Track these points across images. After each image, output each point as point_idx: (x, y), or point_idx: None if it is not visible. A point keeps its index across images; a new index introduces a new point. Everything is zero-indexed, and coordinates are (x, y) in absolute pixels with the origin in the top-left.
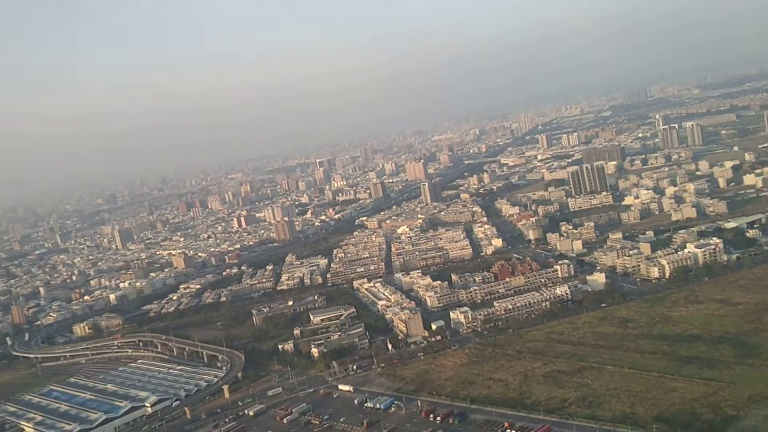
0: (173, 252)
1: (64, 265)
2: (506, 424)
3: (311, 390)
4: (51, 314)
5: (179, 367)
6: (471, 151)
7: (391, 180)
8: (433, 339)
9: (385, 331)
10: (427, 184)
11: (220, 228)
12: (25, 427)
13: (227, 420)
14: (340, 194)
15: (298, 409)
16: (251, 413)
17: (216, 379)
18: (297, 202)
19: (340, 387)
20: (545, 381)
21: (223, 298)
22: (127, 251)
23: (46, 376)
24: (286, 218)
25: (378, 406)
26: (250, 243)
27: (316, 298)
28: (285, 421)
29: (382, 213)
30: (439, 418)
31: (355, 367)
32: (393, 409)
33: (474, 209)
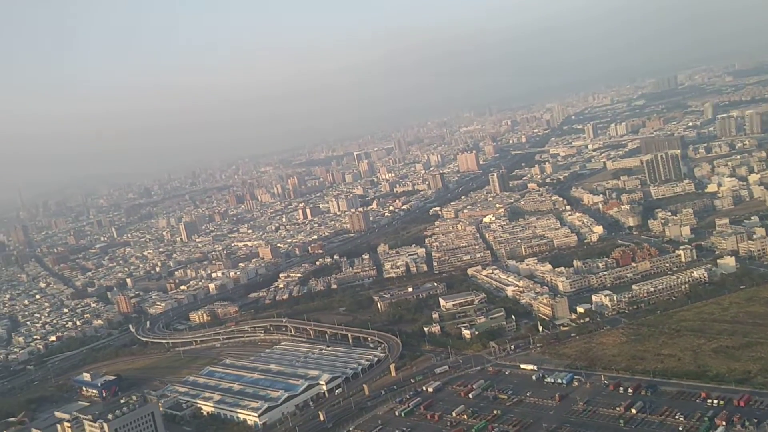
0: (248, 243)
1: (137, 257)
2: (703, 395)
3: (479, 368)
4: (158, 303)
5: (329, 348)
6: (510, 141)
7: (441, 171)
8: (581, 321)
9: (523, 314)
10: (495, 174)
11: (284, 219)
12: (203, 406)
13: (408, 396)
14: (397, 186)
15: (478, 385)
16: (430, 389)
17: (376, 359)
18: (351, 194)
19: (522, 366)
20: (717, 356)
21: (334, 285)
22: (197, 243)
23: (187, 359)
24: (360, 209)
25: (560, 381)
26: (326, 234)
27: (435, 284)
28: (470, 396)
29: (453, 203)
30: (630, 391)
31: (512, 346)
32: (575, 383)
33: (553, 198)
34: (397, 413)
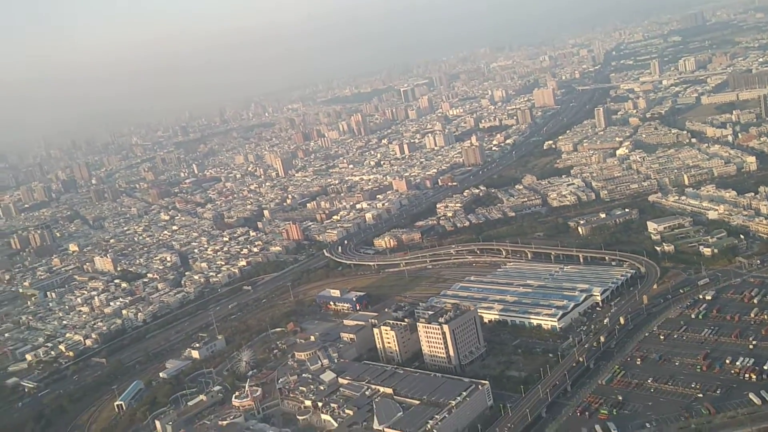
0: (363, 177)
1: (249, 191)
2: None
3: (739, 280)
4: (329, 231)
5: (569, 267)
6: (563, 78)
7: (513, 106)
8: None
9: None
10: (601, 108)
11: (378, 155)
12: (483, 314)
13: (689, 303)
14: (483, 121)
15: (755, 293)
16: (708, 297)
17: (629, 275)
18: (431, 131)
19: None
20: None
21: (511, 213)
22: (300, 178)
23: (410, 278)
24: (476, 143)
25: None
26: (443, 168)
27: (627, 210)
28: (755, 301)
29: (560, 137)
30: None
31: (759, 261)
32: None
33: (673, 131)
34: (693, 316)
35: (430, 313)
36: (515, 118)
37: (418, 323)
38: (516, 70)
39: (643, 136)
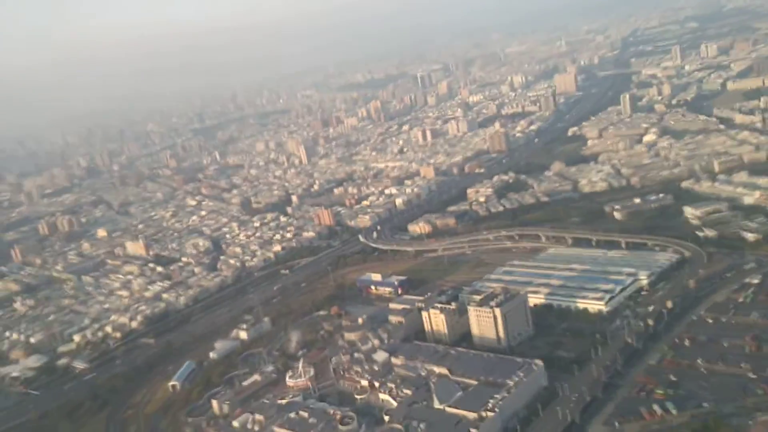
0: (389, 164)
1: (274, 176)
2: None
3: None
4: (361, 216)
5: (612, 252)
6: (581, 63)
7: (534, 93)
8: None
9: None
10: (627, 95)
11: (401, 142)
12: (530, 298)
13: (735, 287)
14: (505, 107)
15: None
16: (755, 281)
17: (674, 259)
18: (450, 117)
19: None
20: None
21: (545, 198)
22: (324, 164)
23: (450, 263)
24: (501, 130)
25: None
26: (468, 155)
27: (661, 196)
28: None
29: (584, 124)
30: None
31: None
32: None
33: (701, 117)
34: (740, 299)
35: (481, 296)
36: (538, 104)
37: (469, 306)
38: (532, 56)
39: (671, 122)
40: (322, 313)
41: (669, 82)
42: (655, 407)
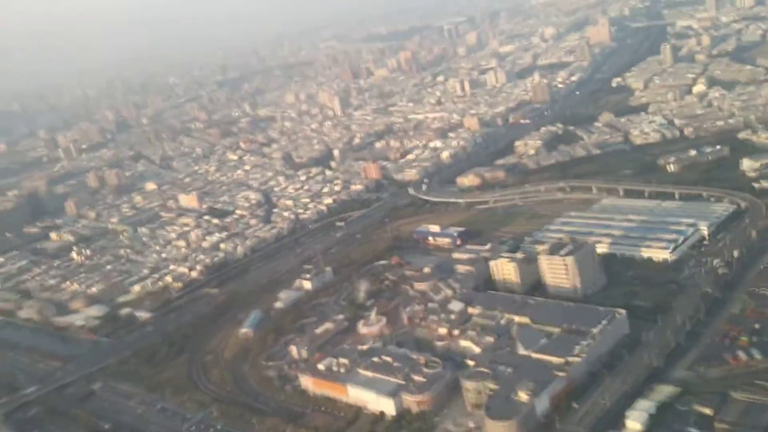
0: (428, 115)
1: (311, 130)
2: None
3: None
4: (407, 170)
5: (666, 203)
6: (611, 15)
7: (567, 43)
8: None
9: None
10: (668, 45)
11: (437, 93)
12: (600, 245)
13: None
14: (541, 58)
15: None
16: None
17: (731, 210)
18: (487, 68)
19: None
20: None
21: (597, 151)
22: (361, 117)
23: (505, 215)
24: (544, 81)
25: None
26: (510, 105)
27: (718, 147)
28: None
29: (627, 74)
30: None
31: None
32: None
33: (747, 67)
34: None
35: (547, 246)
36: (573, 54)
37: (540, 255)
38: (559, 7)
39: (717, 72)
40: (382, 263)
41: (707, 33)
42: (740, 353)
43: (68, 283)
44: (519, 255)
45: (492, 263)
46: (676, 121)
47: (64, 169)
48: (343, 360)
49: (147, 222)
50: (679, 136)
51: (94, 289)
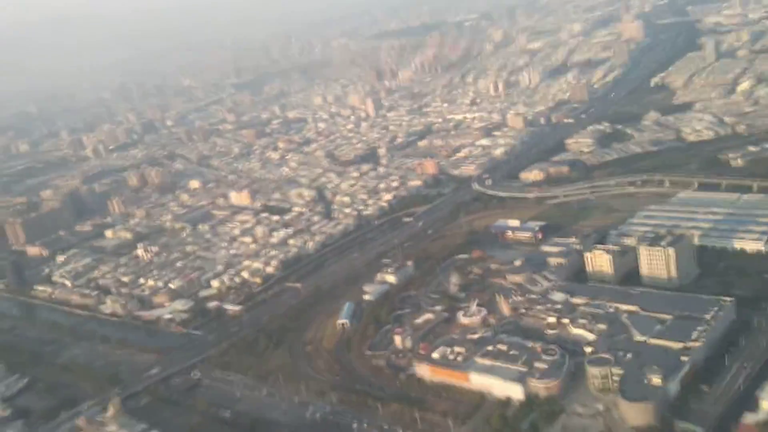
0: (466, 116)
1: (348, 130)
2: None
3: None
4: (463, 166)
5: (747, 196)
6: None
7: (597, 40)
8: None
9: None
10: (713, 41)
11: (471, 92)
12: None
13: None
14: (574, 54)
15: None
16: None
17: None
18: (519, 67)
19: None
20: None
21: (653, 148)
22: (397, 117)
23: (579, 209)
24: (583, 80)
25: None
26: (549, 104)
27: None
28: None
29: (666, 72)
30: None
31: None
32: None
33: None
34: None
35: (650, 237)
36: (612, 50)
37: (639, 247)
38: (576, 4)
39: (765, 68)
40: (464, 256)
41: (746, 29)
42: None
43: (143, 279)
44: (613, 247)
45: (587, 255)
46: (727, 119)
47: (96, 169)
48: (458, 349)
49: (201, 219)
50: (731, 133)
51: (174, 285)
